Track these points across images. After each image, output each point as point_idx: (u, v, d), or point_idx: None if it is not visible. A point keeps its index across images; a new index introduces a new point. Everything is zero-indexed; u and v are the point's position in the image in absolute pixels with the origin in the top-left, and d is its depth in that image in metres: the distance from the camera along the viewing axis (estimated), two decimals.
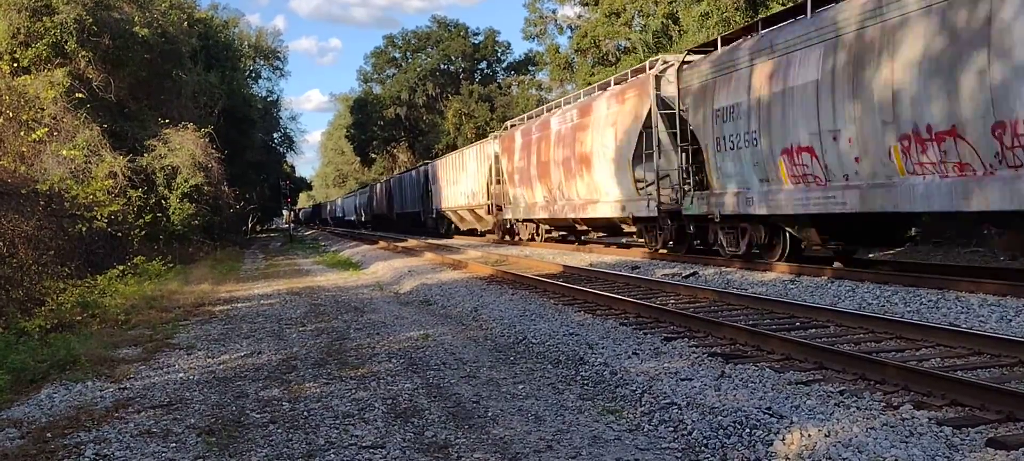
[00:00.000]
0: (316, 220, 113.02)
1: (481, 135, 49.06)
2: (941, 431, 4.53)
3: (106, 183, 17.71)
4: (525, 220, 26.14)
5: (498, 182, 28.26)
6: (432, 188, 38.97)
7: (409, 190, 46.07)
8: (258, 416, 6.01)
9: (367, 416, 5.84)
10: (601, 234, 22.86)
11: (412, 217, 45.28)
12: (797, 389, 5.60)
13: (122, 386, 7.22)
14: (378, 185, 59.58)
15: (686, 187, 15.36)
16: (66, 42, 21.19)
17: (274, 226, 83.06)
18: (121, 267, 15.19)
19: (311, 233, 68.10)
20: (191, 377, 7.53)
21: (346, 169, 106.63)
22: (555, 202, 22.44)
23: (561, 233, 25.41)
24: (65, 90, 19.63)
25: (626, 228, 19.90)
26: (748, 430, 4.84)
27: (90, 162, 18.85)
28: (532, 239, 25.90)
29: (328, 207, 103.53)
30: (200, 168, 25.47)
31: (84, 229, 15.67)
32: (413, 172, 46.54)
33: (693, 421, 5.17)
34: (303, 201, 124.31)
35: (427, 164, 43.71)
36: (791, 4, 27.73)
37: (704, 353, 6.97)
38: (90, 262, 16.04)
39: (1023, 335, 7.07)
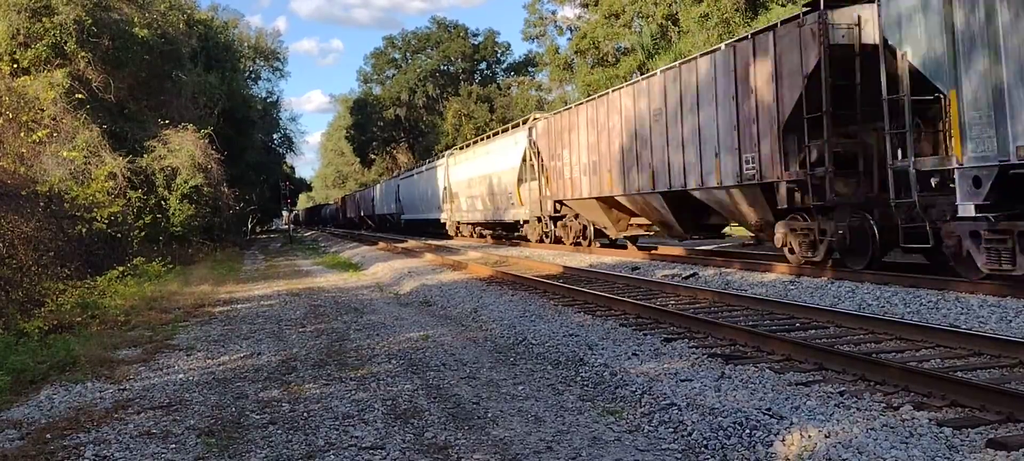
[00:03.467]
0: (333, 222, 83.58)
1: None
2: (941, 432, 4.53)
3: (106, 184, 17.71)
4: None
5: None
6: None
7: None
8: (258, 417, 6.01)
9: (367, 417, 5.83)
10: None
11: None
12: (797, 390, 5.60)
13: (122, 387, 7.22)
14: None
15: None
16: (66, 43, 21.19)
17: (274, 227, 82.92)
18: (121, 268, 15.18)
19: (311, 234, 68.07)
20: (191, 378, 7.52)
21: (346, 170, 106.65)
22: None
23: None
24: (65, 91, 19.63)
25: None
26: (748, 431, 4.84)
27: (90, 163, 18.83)
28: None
29: (375, 195, 58.76)
30: (200, 169, 25.48)
31: (84, 230, 15.67)
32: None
33: (693, 422, 5.16)
34: (303, 202, 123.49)
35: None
36: (791, 4, 27.67)
37: (704, 354, 6.97)
38: (90, 263, 16.03)
39: (1023, 336, 7.07)
